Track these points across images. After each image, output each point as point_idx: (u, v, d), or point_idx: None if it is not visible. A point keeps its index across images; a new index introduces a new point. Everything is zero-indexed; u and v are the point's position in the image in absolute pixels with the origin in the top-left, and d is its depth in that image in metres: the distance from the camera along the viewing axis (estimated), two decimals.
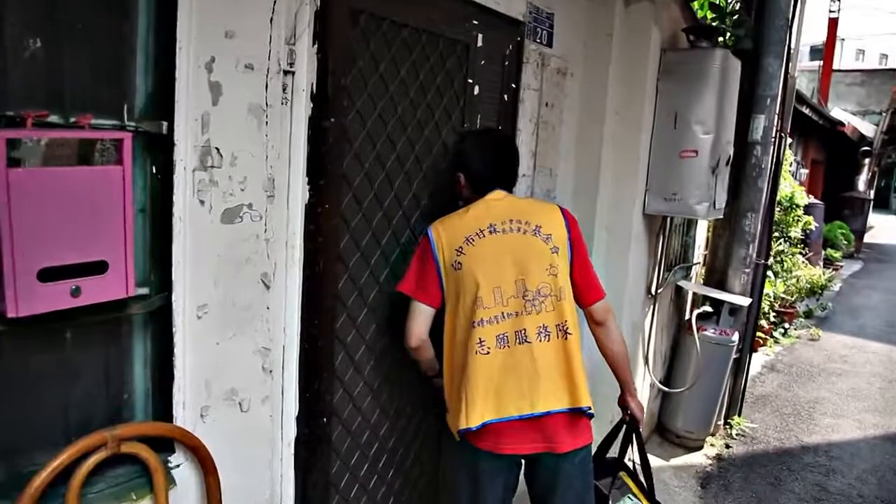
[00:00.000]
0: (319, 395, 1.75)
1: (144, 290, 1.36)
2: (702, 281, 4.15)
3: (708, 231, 4.26)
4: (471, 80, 2.08)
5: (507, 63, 2.25)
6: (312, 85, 1.57)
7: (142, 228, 1.35)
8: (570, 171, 2.82)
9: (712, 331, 3.64)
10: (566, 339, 1.70)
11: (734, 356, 3.77)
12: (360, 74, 1.69)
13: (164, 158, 1.33)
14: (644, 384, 3.48)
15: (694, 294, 4.00)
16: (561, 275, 1.71)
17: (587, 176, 2.83)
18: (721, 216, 3.38)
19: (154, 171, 1.34)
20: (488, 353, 1.66)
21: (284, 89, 1.52)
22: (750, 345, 4.08)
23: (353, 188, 1.74)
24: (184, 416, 1.43)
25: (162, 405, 1.43)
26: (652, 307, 3.42)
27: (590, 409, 1.70)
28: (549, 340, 1.69)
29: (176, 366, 1.40)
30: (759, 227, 3.72)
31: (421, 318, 1.75)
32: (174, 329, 1.38)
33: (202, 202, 1.39)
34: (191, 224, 1.37)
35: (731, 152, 3.19)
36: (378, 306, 1.92)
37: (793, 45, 3.72)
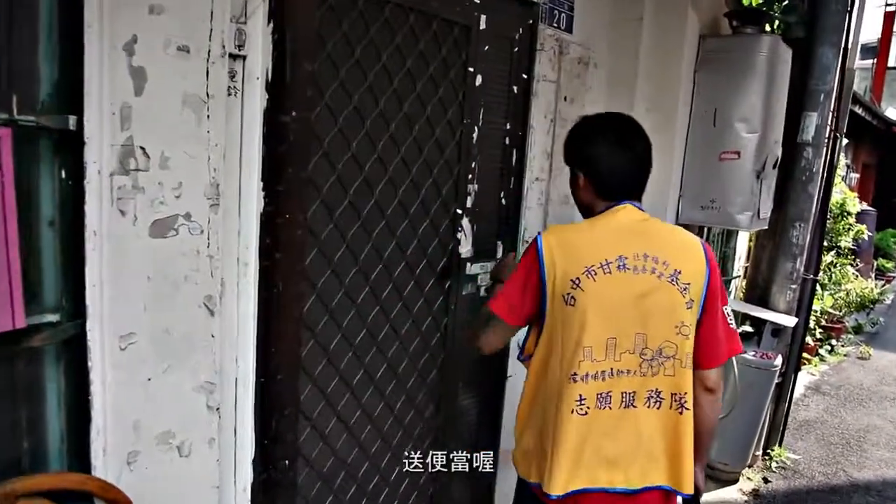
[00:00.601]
0: (280, 435, 1.51)
1: (54, 318, 1.13)
2: (742, 296, 3.77)
3: (750, 241, 3.88)
4: (472, 69, 1.80)
5: (516, 49, 1.96)
6: (268, 72, 1.31)
7: (51, 244, 1.12)
8: None
9: (752, 353, 3.28)
10: (681, 413, 1.40)
11: (776, 381, 3.40)
12: (329, 60, 1.43)
13: (75, 160, 1.10)
14: None
15: (732, 311, 3.64)
16: (693, 337, 1.41)
17: None
18: (766, 226, 3.02)
19: (63, 175, 1.11)
20: (587, 413, 1.38)
21: (232, 77, 1.27)
22: (795, 368, 3.69)
23: (321, 195, 1.48)
24: (105, 463, 1.20)
25: (80, 452, 1.20)
26: None
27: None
28: (658, 408, 1.41)
29: (93, 405, 1.16)
30: (809, 238, 3.34)
31: (503, 335, 1.51)
32: (90, 362, 1.15)
33: (123, 212, 1.14)
34: (109, 239, 1.13)
35: (780, 154, 2.83)
36: (356, 332, 1.66)
37: (851, 35, 3.32)
